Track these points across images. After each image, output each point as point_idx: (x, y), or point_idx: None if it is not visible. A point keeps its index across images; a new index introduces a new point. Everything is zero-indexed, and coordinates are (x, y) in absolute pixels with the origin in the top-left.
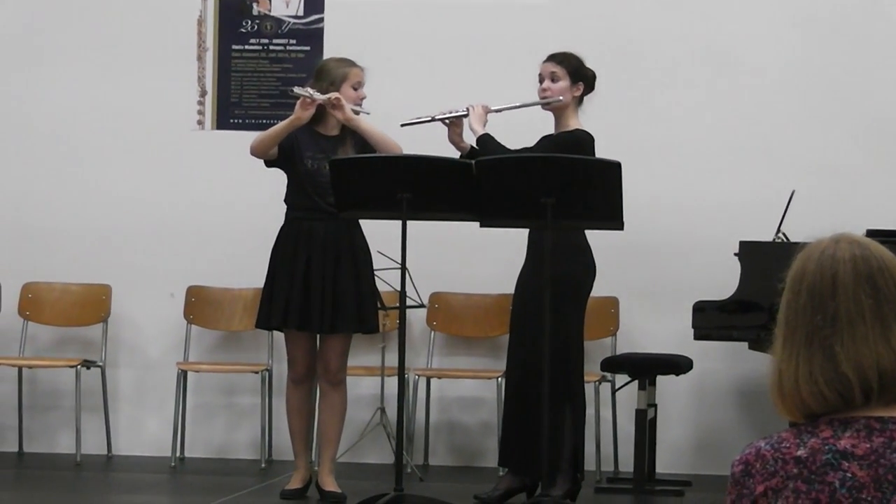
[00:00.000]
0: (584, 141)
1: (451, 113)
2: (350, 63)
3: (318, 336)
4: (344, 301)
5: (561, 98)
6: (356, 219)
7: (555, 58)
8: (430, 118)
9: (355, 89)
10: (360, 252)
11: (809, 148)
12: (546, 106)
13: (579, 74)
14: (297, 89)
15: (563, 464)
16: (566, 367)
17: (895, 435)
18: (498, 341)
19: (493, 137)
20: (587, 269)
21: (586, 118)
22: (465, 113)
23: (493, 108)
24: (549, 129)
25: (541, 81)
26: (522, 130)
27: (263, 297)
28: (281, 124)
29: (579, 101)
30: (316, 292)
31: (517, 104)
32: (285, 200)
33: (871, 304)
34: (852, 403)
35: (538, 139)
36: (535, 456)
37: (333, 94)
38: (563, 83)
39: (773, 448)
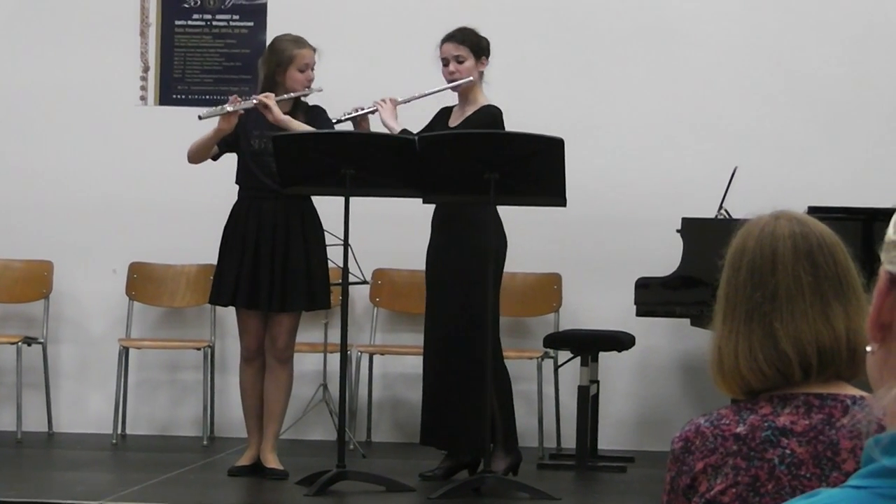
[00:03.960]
0: (497, 116)
1: (359, 111)
2: (299, 44)
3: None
4: (294, 279)
5: (471, 78)
6: (300, 195)
7: (455, 38)
8: (336, 120)
9: (302, 71)
10: (311, 229)
11: (752, 124)
12: (456, 89)
13: (481, 49)
14: (201, 116)
15: (498, 437)
16: (489, 341)
17: (834, 412)
18: None
19: (409, 133)
20: (502, 241)
21: (530, 91)
22: (373, 110)
23: (400, 99)
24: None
25: (445, 64)
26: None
27: (216, 273)
28: (207, 135)
29: (481, 73)
30: (265, 271)
31: (426, 92)
32: (236, 181)
33: (811, 281)
34: (792, 380)
35: (437, 111)
36: (463, 434)
37: (261, 97)
38: (469, 63)
39: (712, 425)
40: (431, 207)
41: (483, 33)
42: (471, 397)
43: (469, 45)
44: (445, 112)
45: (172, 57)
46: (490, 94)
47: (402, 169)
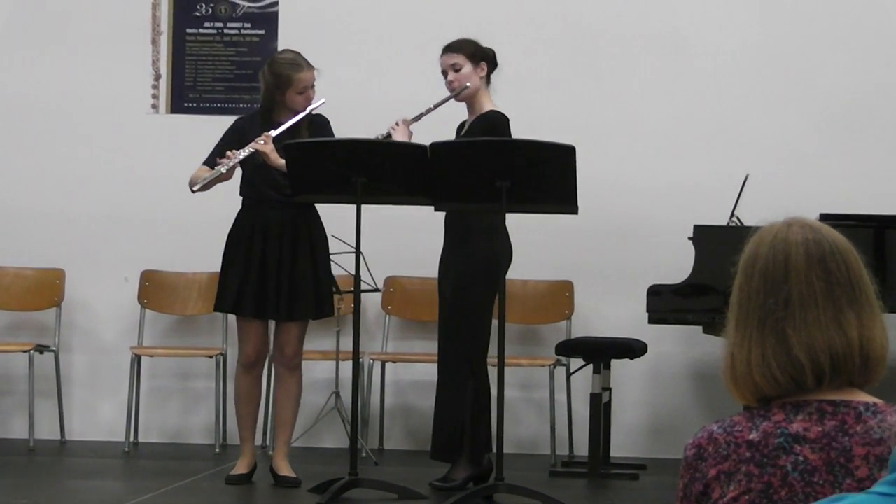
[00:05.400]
0: (499, 122)
1: (380, 137)
2: (297, 68)
3: (270, 322)
4: (302, 288)
5: (468, 85)
6: (310, 203)
7: (450, 48)
8: None
9: (301, 94)
10: (317, 237)
11: (763, 131)
12: (458, 97)
13: (479, 55)
14: (194, 189)
15: (465, 447)
16: (469, 347)
17: (847, 418)
18: None
19: None
20: (504, 249)
21: (537, 96)
22: (387, 135)
23: (410, 118)
24: (463, 115)
25: (445, 76)
26: (445, 121)
27: (220, 280)
28: (212, 177)
29: (487, 81)
30: (272, 280)
31: (431, 106)
32: (240, 193)
33: (823, 288)
34: (804, 387)
35: (458, 126)
36: (439, 441)
37: (255, 145)
38: (466, 69)
39: (725, 432)
40: (443, 215)
41: (493, 42)
42: (447, 405)
43: (463, 52)
44: (462, 126)
45: (184, 65)
46: (500, 101)
47: (413, 177)
